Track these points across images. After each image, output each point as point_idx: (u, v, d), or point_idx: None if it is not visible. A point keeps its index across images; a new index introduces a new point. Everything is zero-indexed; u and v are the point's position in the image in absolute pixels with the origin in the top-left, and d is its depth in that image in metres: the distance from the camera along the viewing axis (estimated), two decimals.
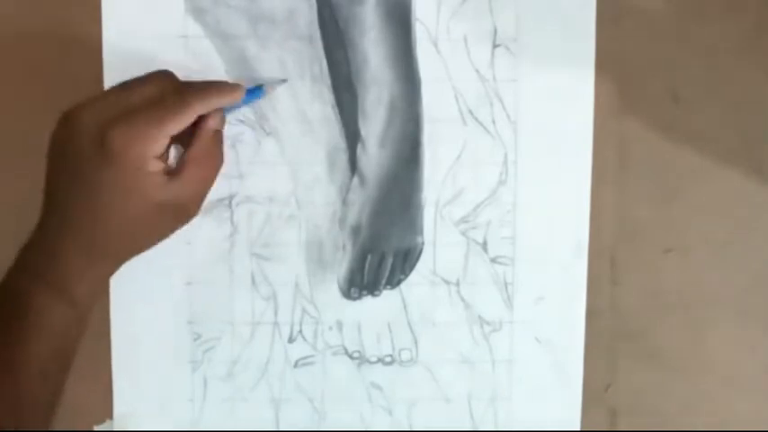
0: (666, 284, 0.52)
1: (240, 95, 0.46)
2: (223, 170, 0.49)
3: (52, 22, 0.48)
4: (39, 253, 0.44)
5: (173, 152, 0.45)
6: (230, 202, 0.50)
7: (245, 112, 0.49)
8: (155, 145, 0.42)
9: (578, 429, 0.52)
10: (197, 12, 0.49)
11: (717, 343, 0.52)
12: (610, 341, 0.52)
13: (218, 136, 0.46)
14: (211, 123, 0.45)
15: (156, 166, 0.43)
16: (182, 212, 0.46)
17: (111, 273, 0.46)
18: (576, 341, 0.52)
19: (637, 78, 0.50)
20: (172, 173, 0.44)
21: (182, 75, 0.48)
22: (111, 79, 0.48)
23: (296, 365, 0.51)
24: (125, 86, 0.44)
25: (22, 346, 0.42)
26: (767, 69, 0.51)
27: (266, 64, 0.49)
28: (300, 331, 0.51)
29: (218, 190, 0.49)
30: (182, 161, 0.45)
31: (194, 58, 0.49)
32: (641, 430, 0.53)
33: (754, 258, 0.52)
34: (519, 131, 0.50)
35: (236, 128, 0.49)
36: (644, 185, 0.51)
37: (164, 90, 0.44)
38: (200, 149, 0.45)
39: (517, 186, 0.51)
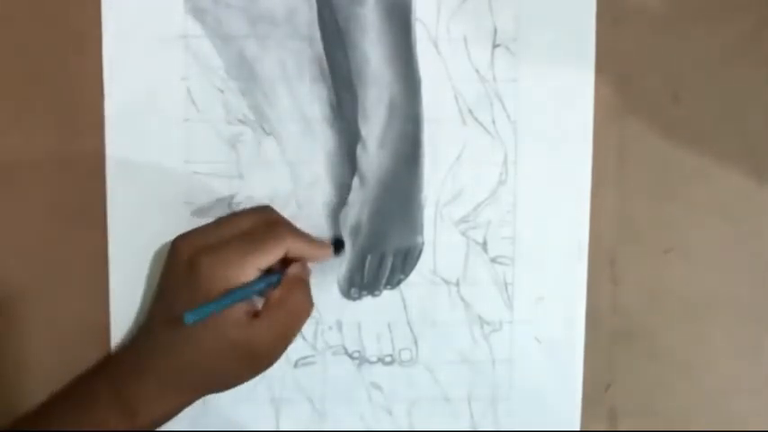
0: (666, 284, 0.52)
1: (329, 254, 0.48)
2: (223, 170, 0.49)
3: (52, 22, 0.48)
4: (121, 363, 0.46)
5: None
6: (230, 203, 0.50)
7: (245, 112, 0.49)
8: (240, 273, 0.43)
9: (578, 429, 0.52)
10: (197, 12, 0.49)
11: (717, 343, 0.52)
12: (610, 341, 0.52)
13: (303, 285, 0.46)
14: (294, 269, 0.46)
15: (240, 303, 0.43)
16: (257, 358, 0.45)
17: (181, 406, 0.46)
18: (576, 341, 0.52)
19: (637, 78, 0.50)
20: (255, 315, 0.44)
21: (182, 74, 0.48)
22: (111, 79, 0.48)
23: (296, 365, 0.51)
24: (226, 218, 0.47)
25: None
26: (767, 69, 0.51)
27: (266, 64, 0.49)
28: (300, 331, 0.51)
29: (218, 190, 0.49)
30: (265, 305, 0.45)
31: (194, 58, 0.49)
32: (641, 430, 0.53)
33: (755, 258, 0.52)
34: (519, 131, 0.50)
35: (236, 128, 0.49)
36: (644, 185, 0.51)
37: (258, 222, 0.45)
38: (283, 294, 0.45)
39: (517, 186, 0.51)
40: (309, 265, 0.48)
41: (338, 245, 0.50)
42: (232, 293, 0.43)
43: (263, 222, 0.46)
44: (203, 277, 0.43)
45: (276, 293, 0.45)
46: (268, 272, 0.45)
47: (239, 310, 0.43)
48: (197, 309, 0.42)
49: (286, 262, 0.46)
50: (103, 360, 0.47)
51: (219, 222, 0.47)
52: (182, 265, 0.44)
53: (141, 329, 0.47)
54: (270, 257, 0.44)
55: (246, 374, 0.46)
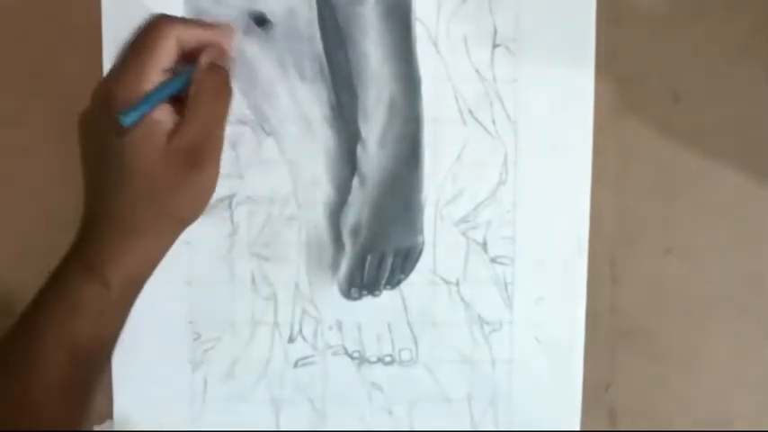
0: (666, 284, 0.52)
1: (230, 32, 0.46)
2: (223, 170, 0.49)
3: (52, 22, 0.48)
4: (79, 236, 0.44)
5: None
6: (230, 202, 0.50)
7: (245, 112, 0.49)
8: (143, 82, 0.43)
9: (578, 429, 0.52)
10: (197, 12, 0.49)
11: (717, 343, 0.52)
12: (610, 341, 0.52)
13: (217, 71, 0.45)
14: (204, 57, 0.44)
15: (159, 114, 0.43)
16: (195, 157, 0.44)
17: (150, 257, 0.45)
18: (576, 341, 0.52)
19: (637, 78, 0.50)
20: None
21: None
22: None
23: (296, 365, 0.51)
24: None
25: (59, 326, 0.42)
26: (767, 69, 0.51)
27: (266, 64, 0.49)
28: (300, 331, 0.51)
29: (218, 190, 0.49)
30: (186, 101, 0.44)
31: None
32: (641, 430, 0.53)
33: (755, 258, 0.52)
34: (519, 131, 0.50)
35: (236, 128, 0.49)
36: (644, 185, 0.51)
37: (142, 32, 0.45)
38: (198, 86, 0.44)
39: (517, 186, 0.51)
40: None
41: (261, 21, 0.48)
42: (153, 94, 0.43)
43: (146, 29, 0.45)
44: (119, 97, 0.42)
45: (191, 88, 0.44)
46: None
47: (163, 113, 0.43)
48: (128, 109, 0.42)
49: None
50: (70, 248, 0.45)
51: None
52: (101, 104, 0.44)
53: (85, 199, 0.45)
54: (164, 52, 0.43)
55: (193, 183, 0.44)
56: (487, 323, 0.51)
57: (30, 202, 0.49)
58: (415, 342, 0.52)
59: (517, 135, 0.50)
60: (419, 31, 0.49)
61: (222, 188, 0.49)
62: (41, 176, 0.49)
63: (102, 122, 0.43)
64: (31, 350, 0.42)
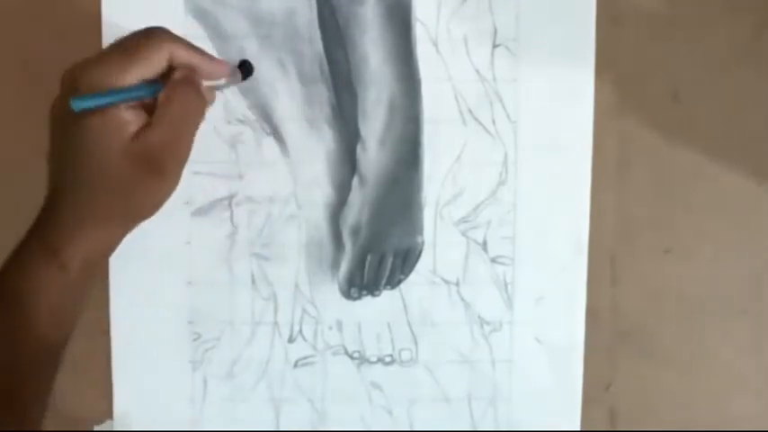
0: (666, 284, 0.52)
1: (223, 71, 0.45)
2: (223, 170, 0.49)
3: (52, 22, 0.48)
4: (39, 216, 0.44)
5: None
6: (230, 202, 0.50)
7: (245, 112, 0.49)
8: (119, 79, 0.41)
9: (578, 429, 0.52)
10: (197, 12, 0.49)
11: (717, 343, 0.52)
12: (610, 341, 0.52)
13: (191, 85, 0.43)
14: (179, 72, 0.43)
15: (127, 114, 0.42)
16: (154, 165, 0.42)
17: (107, 243, 0.44)
18: (576, 341, 0.52)
19: (637, 78, 0.50)
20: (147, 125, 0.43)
21: None
22: None
23: (296, 365, 0.51)
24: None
25: (20, 309, 0.42)
26: (767, 69, 0.51)
27: (266, 64, 0.49)
28: (300, 331, 0.51)
29: (218, 190, 0.49)
30: (155, 108, 0.43)
31: None
32: (641, 430, 0.53)
33: (755, 258, 0.52)
34: (519, 131, 0.50)
35: (236, 128, 0.49)
36: (644, 185, 0.51)
37: (138, 34, 0.43)
38: (168, 93, 0.42)
39: (517, 186, 0.51)
40: None
41: (245, 67, 0.47)
42: (115, 92, 0.41)
43: (144, 33, 0.43)
44: (83, 87, 0.41)
45: (162, 95, 0.42)
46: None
47: (129, 113, 0.42)
48: (85, 96, 0.41)
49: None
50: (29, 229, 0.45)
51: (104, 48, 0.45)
52: (66, 88, 0.42)
53: (49, 181, 0.45)
54: (151, 64, 0.42)
55: (151, 186, 0.43)
56: (487, 323, 0.51)
57: (30, 203, 0.49)
58: (415, 342, 0.52)
59: (517, 135, 0.50)
60: (419, 32, 0.49)
61: (222, 188, 0.49)
62: (41, 177, 0.49)
63: (67, 103, 0.42)
64: None
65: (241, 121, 0.49)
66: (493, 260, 0.51)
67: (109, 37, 0.48)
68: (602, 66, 0.50)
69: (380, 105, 0.50)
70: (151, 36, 0.43)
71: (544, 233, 0.51)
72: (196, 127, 0.44)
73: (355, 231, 0.50)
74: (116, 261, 0.48)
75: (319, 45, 0.49)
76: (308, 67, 0.49)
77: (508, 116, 0.50)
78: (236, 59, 0.47)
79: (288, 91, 0.49)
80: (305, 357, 0.51)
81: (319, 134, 0.50)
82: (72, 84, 0.42)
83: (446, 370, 0.52)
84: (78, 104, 0.40)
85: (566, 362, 0.52)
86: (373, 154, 0.50)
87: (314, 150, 0.50)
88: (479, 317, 0.51)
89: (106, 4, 0.48)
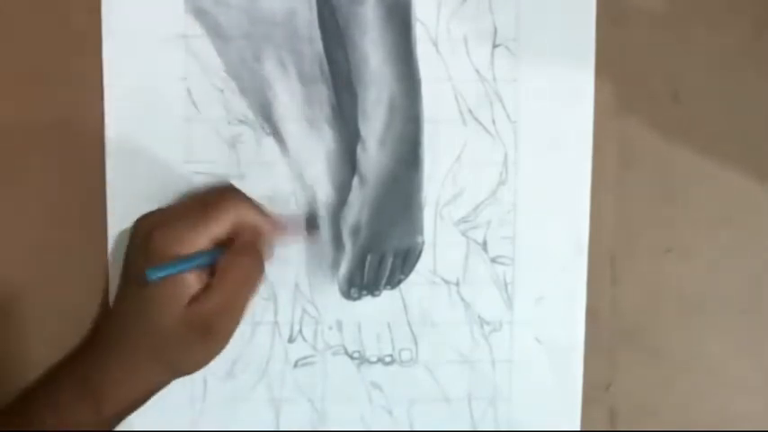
0: (666, 284, 0.52)
1: (281, 229, 0.47)
2: (223, 170, 0.49)
3: (52, 22, 0.48)
4: (85, 349, 0.47)
5: None
6: None
7: (245, 112, 0.49)
8: (192, 243, 0.44)
9: (578, 429, 0.52)
10: (197, 12, 0.49)
11: (717, 343, 0.52)
12: (610, 341, 0.52)
13: (251, 250, 0.45)
14: (243, 237, 0.45)
15: (189, 276, 0.44)
16: (210, 326, 0.44)
17: (146, 392, 0.46)
18: (576, 341, 0.52)
19: (637, 78, 0.50)
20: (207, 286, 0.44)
21: (182, 74, 0.48)
22: (110, 79, 0.48)
23: (296, 365, 0.51)
24: (188, 197, 0.48)
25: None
26: (767, 69, 0.51)
27: (266, 64, 0.49)
28: (300, 331, 0.51)
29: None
30: (214, 272, 0.44)
31: (194, 58, 0.49)
32: (641, 430, 0.53)
33: (755, 258, 0.52)
34: (519, 131, 0.50)
35: (236, 128, 0.49)
36: (644, 185, 0.51)
37: (210, 193, 0.47)
38: (229, 258, 0.44)
39: (517, 186, 0.51)
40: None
41: (311, 223, 0.49)
42: (190, 258, 0.44)
43: (216, 192, 0.47)
44: (157, 249, 0.43)
45: (222, 259, 0.44)
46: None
47: (192, 277, 0.43)
48: (158, 266, 0.43)
49: None
50: (71, 351, 0.48)
51: (180, 201, 0.48)
52: (139, 240, 0.45)
53: (101, 317, 0.48)
54: (219, 224, 0.44)
55: (201, 348, 0.45)
56: (487, 323, 0.51)
57: (30, 203, 0.49)
58: (415, 342, 0.52)
59: (517, 135, 0.50)
60: (419, 32, 0.49)
61: None
62: (41, 177, 0.49)
63: (138, 256, 0.45)
64: None
65: (241, 121, 0.49)
66: (493, 260, 0.51)
67: (109, 36, 0.48)
68: (602, 66, 0.50)
69: (380, 105, 0.49)
70: (223, 196, 0.46)
71: (544, 233, 0.51)
72: (254, 292, 0.46)
73: (355, 231, 0.50)
74: (118, 261, 0.48)
75: (319, 45, 0.49)
76: (308, 67, 0.49)
77: (508, 116, 0.50)
78: (300, 217, 0.49)
79: (288, 91, 0.49)
80: (305, 357, 0.51)
81: (319, 134, 0.50)
82: (146, 241, 0.44)
83: (446, 370, 0.52)
84: (154, 276, 0.43)
85: (566, 362, 0.52)
86: (373, 154, 0.50)
87: (314, 150, 0.50)
88: (479, 317, 0.51)
89: (106, 3, 0.48)
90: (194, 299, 0.44)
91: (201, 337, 0.44)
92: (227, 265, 0.44)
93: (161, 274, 0.43)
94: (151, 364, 0.45)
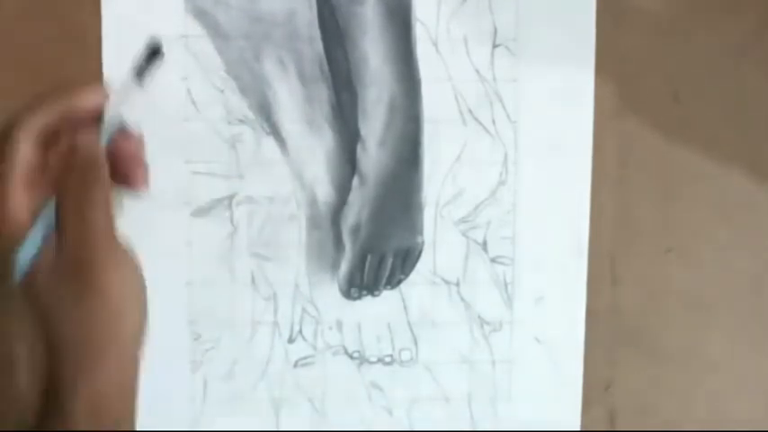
0: (666, 284, 0.52)
1: (94, 97, 0.37)
2: (223, 170, 0.49)
3: (52, 22, 0.48)
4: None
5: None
6: (230, 202, 0.50)
7: (245, 112, 0.49)
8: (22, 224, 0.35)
9: (578, 429, 0.52)
10: (197, 12, 0.49)
11: (717, 343, 0.52)
12: (610, 341, 0.52)
13: (83, 162, 0.35)
14: (81, 143, 0.35)
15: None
16: (79, 272, 0.35)
17: (112, 384, 0.37)
18: (576, 341, 0.52)
19: (637, 78, 0.50)
20: None
21: (182, 74, 0.48)
22: (110, 79, 0.48)
23: (296, 365, 0.51)
24: None
25: None
26: (767, 69, 0.51)
27: (266, 64, 0.49)
28: (300, 331, 0.51)
29: (218, 190, 0.49)
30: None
31: (194, 58, 0.49)
32: (641, 430, 0.53)
33: (755, 258, 0.52)
34: (519, 131, 0.50)
35: (236, 128, 0.49)
36: (644, 185, 0.51)
37: None
38: (60, 195, 0.35)
39: (517, 186, 0.51)
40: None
41: (152, 55, 0.38)
42: (37, 228, 0.35)
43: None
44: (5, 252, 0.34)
45: (56, 205, 0.35)
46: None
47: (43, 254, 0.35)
48: (16, 265, 0.34)
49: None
50: None
51: None
52: None
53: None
54: (13, 165, 0.35)
55: (126, 277, 0.36)
56: (487, 323, 0.51)
57: None
58: (415, 342, 0.52)
59: (517, 135, 0.50)
60: (419, 32, 0.49)
61: (222, 188, 0.49)
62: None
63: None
64: None
65: (241, 121, 0.49)
66: (493, 260, 0.51)
67: (109, 36, 0.48)
68: (602, 66, 0.50)
69: (380, 105, 0.50)
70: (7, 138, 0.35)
71: (544, 233, 0.51)
72: (107, 201, 0.36)
73: (355, 231, 0.50)
74: None
75: (319, 45, 0.49)
76: (308, 67, 0.49)
77: (508, 116, 0.50)
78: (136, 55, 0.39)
79: (288, 91, 0.49)
80: (305, 357, 0.51)
81: (319, 134, 0.50)
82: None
83: (446, 370, 0.52)
84: (23, 258, 0.34)
85: (566, 362, 0.52)
86: (373, 154, 0.50)
87: (314, 150, 0.50)
88: (479, 317, 0.51)
89: (106, 3, 0.48)
90: (56, 256, 0.35)
91: (80, 282, 0.35)
92: (59, 201, 0.35)
93: (28, 250, 0.34)
94: (95, 345, 0.35)
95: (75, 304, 0.35)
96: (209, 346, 0.51)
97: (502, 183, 0.51)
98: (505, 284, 0.51)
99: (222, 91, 0.49)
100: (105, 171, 0.36)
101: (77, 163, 0.35)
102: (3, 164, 0.35)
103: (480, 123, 0.50)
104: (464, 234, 0.51)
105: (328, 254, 0.51)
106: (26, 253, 0.34)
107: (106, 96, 0.38)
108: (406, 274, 0.51)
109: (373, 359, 0.52)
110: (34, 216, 0.35)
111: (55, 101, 0.36)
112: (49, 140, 0.36)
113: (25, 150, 0.35)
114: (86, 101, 0.37)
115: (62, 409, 0.35)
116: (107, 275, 0.35)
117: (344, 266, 0.51)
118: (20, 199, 0.35)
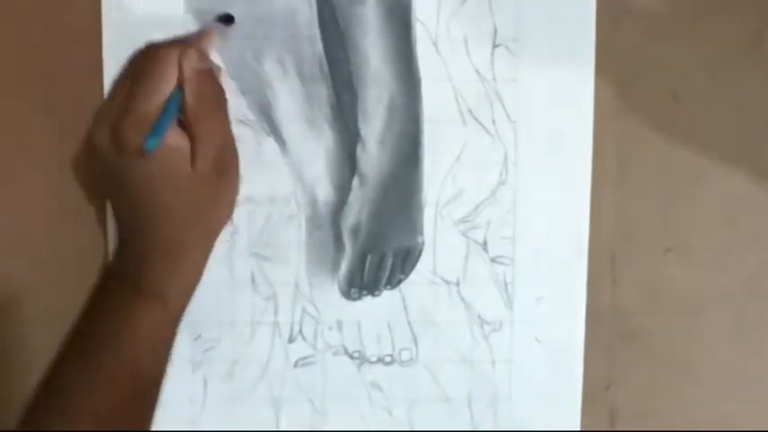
0: (666, 284, 0.52)
1: (207, 41, 0.46)
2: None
3: (52, 22, 0.48)
4: (125, 265, 0.45)
5: None
6: None
7: (245, 112, 0.49)
8: (152, 111, 0.43)
9: (578, 429, 0.52)
10: (197, 12, 0.49)
11: (717, 343, 0.52)
12: (610, 341, 0.52)
13: (205, 80, 0.45)
14: (186, 67, 0.44)
15: (173, 140, 0.43)
16: (219, 169, 0.45)
17: (198, 269, 0.46)
18: (576, 341, 0.52)
19: (637, 78, 0.50)
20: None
21: None
22: (111, 79, 0.48)
23: (296, 365, 0.51)
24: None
25: (123, 350, 0.44)
26: (767, 70, 0.51)
27: (266, 64, 0.49)
28: (300, 331, 0.51)
29: None
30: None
31: None
32: (641, 430, 0.53)
33: (754, 258, 0.52)
34: (519, 131, 0.50)
35: (237, 128, 0.49)
36: (644, 185, 0.51)
37: (143, 62, 0.45)
38: (193, 104, 0.44)
39: (517, 186, 0.51)
40: None
41: (227, 19, 0.48)
42: (165, 110, 0.43)
43: (146, 57, 0.45)
44: (127, 142, 0.43)
45: (188, 106, 0.44)
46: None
47: (175, 136, 0.43)
48: (149, 135, 0.42)
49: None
50: (107, 277, 0.46)
51: (117, 83, 0.46)
52: (106, 152, 0.44)
53: (119, 231, 0.47)
54: (168, 80, 0.43)
55: (225, 188, 0.46)
56: (487, 323, 0.51)
57: (30, 202, 0.49)
58: (415, 342, 0.52)
59: (517, 135, 0.50)
60: (419, 32, 0.49)
61: None
62: (41, 176, 0.49)
63: (120, 164, 0.43)
64: (90, 380, 0.44)
65: (241, 121, 0.49)
66: (493, 260, 0.51)
67: (109, 37, 0.48)
68: (602, 66, 0.50)
69: (380, 105, 0.50)
70: (156, 60, 0.44)
71: (544, 233, 0.51)
72: (228, 116, 0.46)
73: (355, 231, 0.50)
74: None
75: (319, 45, 0.49)
76: (308, 67, 0.49)
77: (508, 116, 0.50)
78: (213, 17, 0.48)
79: (288, 91, 0.49)
80: (305, 357, 0.51)
81: (319, 134, 0.50)
82: (116, 138, 0.43)
83: (446, 370, 0.52)
84: (151, 144, 0.42)
85: (566, 362, 0.52)
86: (373, 154, 0.50)
87: (314, 150, 0.50)
88: (479, 317, 0.51)
89: (106, 3, 0.48)
90: (192, 157, 0.44)
91: (218, 180, 0.45)
92: (193, 110, 0.44)
93: (156, 137, 0.42)
94: (191, 236, 0.45)
95: (213, 194, 0.46)
96: (209, 346, 0.51)
97: (502, 183, 0.51)
98: (505, 284, 0.51)
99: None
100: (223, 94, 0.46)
101: (207, 86, 0.45)
102: (152, 79, 0.43)
103: (480, 123, 0.50)
104: (464, 234, 0.51)
105: (328, 254, 0.51)
106: (156, 132, 0.42)
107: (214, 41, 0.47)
108: (406, 274, 0.51)
109: (373, 359, 0.52)
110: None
111: (193, 40, 0.46)
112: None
113: (172, 72, 0.43)
114: (204, 42, 0.46)
115: (158, 294, 0.44)
116: (235, 167, 0.47)
117: (344, 266, 0.51)
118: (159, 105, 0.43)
